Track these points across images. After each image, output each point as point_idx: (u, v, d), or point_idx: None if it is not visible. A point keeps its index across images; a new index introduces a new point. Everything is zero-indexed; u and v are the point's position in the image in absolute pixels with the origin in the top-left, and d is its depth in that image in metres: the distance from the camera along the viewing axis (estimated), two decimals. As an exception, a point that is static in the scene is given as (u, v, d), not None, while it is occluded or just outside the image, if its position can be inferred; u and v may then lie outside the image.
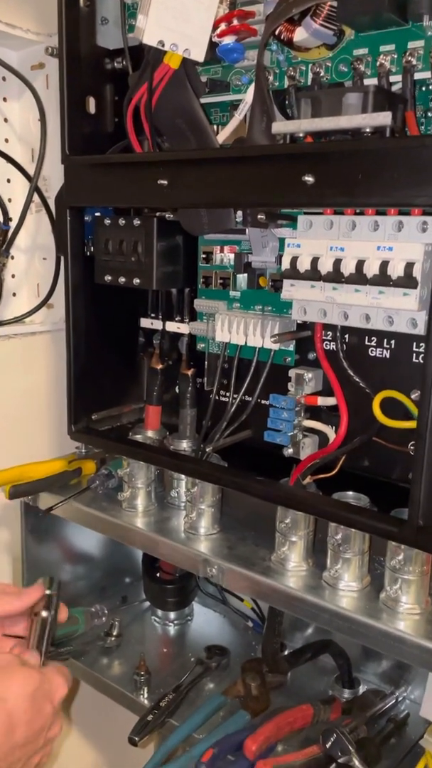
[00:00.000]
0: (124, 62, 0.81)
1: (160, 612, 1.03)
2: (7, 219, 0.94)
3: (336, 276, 0.60)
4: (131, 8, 0.76)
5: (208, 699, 0.87)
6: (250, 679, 0.87)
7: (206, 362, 0.78)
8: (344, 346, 0.69)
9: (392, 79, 0.61)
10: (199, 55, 0.61)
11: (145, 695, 0.89)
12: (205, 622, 1.04)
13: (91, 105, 0.82)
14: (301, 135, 0.60)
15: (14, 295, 1.00)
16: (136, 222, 0.75)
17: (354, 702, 0.86)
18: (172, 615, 1.03)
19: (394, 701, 0.85)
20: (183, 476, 0.85)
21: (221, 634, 1.01)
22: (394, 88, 0.61)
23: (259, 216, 0.65)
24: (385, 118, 0.54)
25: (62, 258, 0.83)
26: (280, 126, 0.60)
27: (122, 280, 0.77)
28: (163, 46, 0.60)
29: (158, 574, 1.01)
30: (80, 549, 1.03)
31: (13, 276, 0.99)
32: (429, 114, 0.63)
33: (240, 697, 0.87)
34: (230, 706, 0.87)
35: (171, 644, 0.98)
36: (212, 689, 0.91)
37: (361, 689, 0.89)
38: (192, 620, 1.05)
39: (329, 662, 0.91)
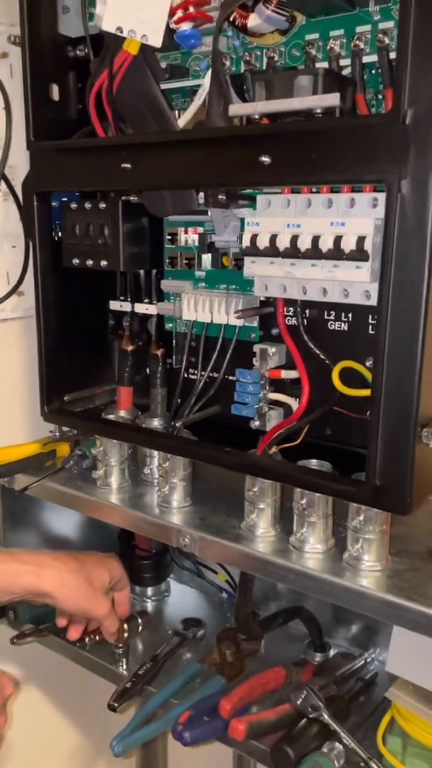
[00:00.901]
0: (86, 50, 0.83)
1: (138, 588, 1.06)
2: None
3: (293, 252, 0.63)
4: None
5: (185, 667, 0.90)
6: (225, 647, 0.90)
7: (174, 341, 0.81)
8: (305, 320, 0.72)
9: (342, 62, 0.64)
10: (156, 41, 0.64)
11: (124, 667, 0.92)
12: (182, 596, 1.07)
13: (55, 92, 0.84)
14: (257, 117, 0.62)
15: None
16: (102, 205, 0.77)
17: (325, 664, 0.90)
18: (149, 591, 1.06)
19: (362, 662, 0.89)
20: (155, 454, 0.88)
21: (197, 607, 1.05)
22: (345, 72, 0.64)
23: (219, 196, 0.68)
24: (333, 99, 0.57)
25: (30, 244, 0.85)
26: (237, 108, 0.62)
27: (90, 262, 0.80)
28: (121, 32, 0.63)
29: (135, 551, 1.04)
30: (58, 531, 1.05)
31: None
32: (379, 96, 0.66)
33: (216, 664, 0.90)
34: (206, 673, 0.90)
35: (149, 619, 1.00)
36: (189, 659, 0.94)
37: (332, 653, 0.93)
38: (168, 596, 1.08)
39: (301, 630, 0.95)
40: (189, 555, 0.97)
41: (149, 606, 1.06)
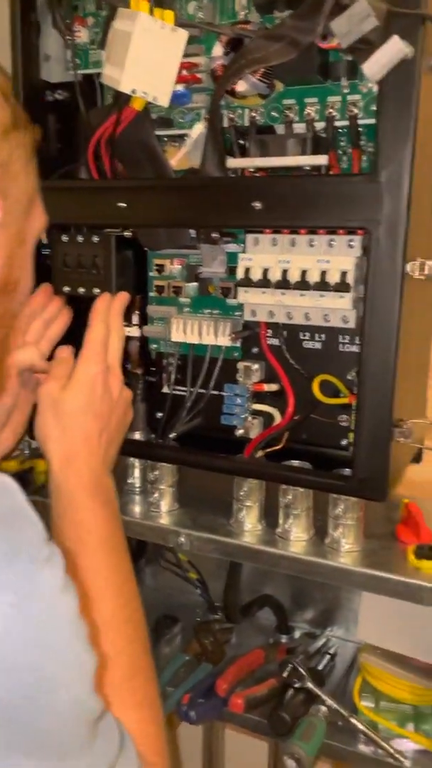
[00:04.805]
0: (65, 94, 0.90)
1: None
2: None
3: (284, 284, 0.74)
4: (76, 48, 0.86)
5: (171, 659, 0.98)
6: (204, 638, 0.99)
7: (164, 361, 0.89)
8: (285, 340, 0.83)
9: (317, 125, 0.77)
10: (165, 101, 0.73)
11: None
12: (153, 597, 1.15)
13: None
14: (252, 170, 0.73)
15: None
16: (95, 239, 0.84)
17: (294, 643, 1.02)
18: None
19: (325, 640, 1.02)
20: (137, 464, 0.96)
21: (169, 605, 1.12)
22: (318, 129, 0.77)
23: (213, 234, 0.78)
24: (323, 159, 0.70)
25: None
26: (236, 162, 0.73)
27: (82, 290, 0.87)
28: (135, 93, 0.71)
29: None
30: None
31: None
32: (345, 154, 0.79)
33: (197, 654, 0.99)
34: (190, 662, 0.98)
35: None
36: (169, 653, 1.02)
37: (296, 634, 1.05)
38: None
39: (263, 621, 1.05)
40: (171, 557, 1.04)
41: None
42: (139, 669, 0.56)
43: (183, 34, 0.71)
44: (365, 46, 0.62)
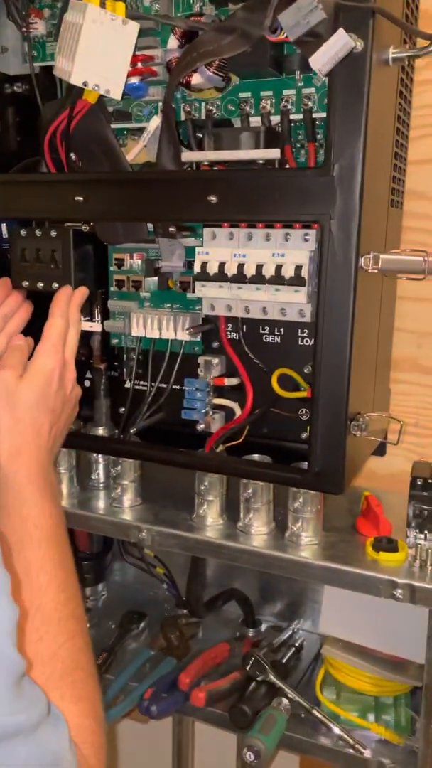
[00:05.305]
0: (24, 87, 0.89)
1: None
2: None
3: (240, 277, 0.74)
4: (34, 40, 0.85)
5: (137, 654, 0.98)
6: (170, 632, 1.00)
7: (124, 356, 0.89)
8: (244, 335, 0.83)
9: (272, 118, 0.76)
10: (117, 94, 0.72)
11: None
12: (120, 593, 1.15)
13: (-4, 126, 0.90)
14: (206, 163, 0.73)
15: None
16: (53, 233, 0.84)
17: (260, 636, 1.02)
18: (87, 591, 1.12)
19: (291, 632, 1.02)
20: (101, 459, 0.96)
21: (136, 601, 1.13)
22: (274, 122, 0.77)
23: (170, 228, 0.78)
24: (275, 153, 0.69)
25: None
26: (190, 155, 0.73)
27: (40, 285, 0.86)
28: (86, 85, 0.71)
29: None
30: None
31: None
32: (302, 148, 0.79)
33: (163, 649, 1.00)
34: (155, 657, 0.99)
35: (91, 616, 1.07)
36: (136, 648, 1.02)
37: (263, 627, 1.05)
38: (105, 596, 1.15)
39: (230, 615, 1.06)
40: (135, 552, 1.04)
41: (89, 604, 1.12)
42: (79, 663, 0.56)
43: (134, 27, 0.70)
44: (313, 39, 0.62)
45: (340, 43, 0.59)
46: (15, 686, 0.44)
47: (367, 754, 0.82)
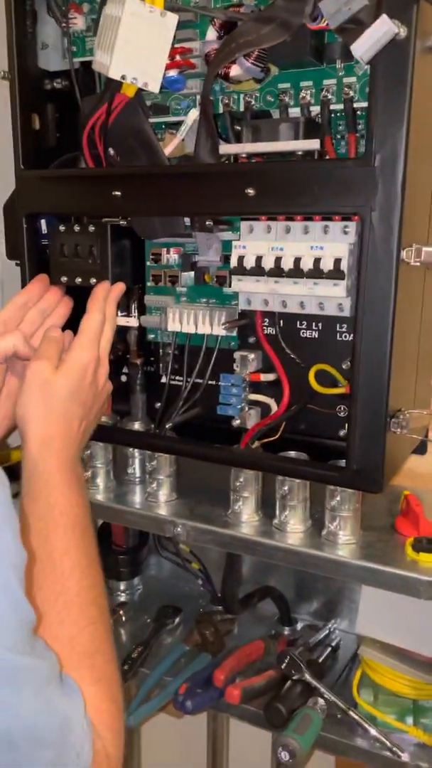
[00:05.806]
0: (64, 83, 0.90)
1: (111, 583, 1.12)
2: None
3: (278, 271, 0.73)
4: (73, 36, 0.85)
5: (171, 649, 0.98)
6: (205, 628, 0.99)
7: (161, 351, 0.89)
8: (281, 329, 0.82)
9: (312, 109, 0.75)
10: (155, 87, 0.72)
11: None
12: (156, 587, 1.15)
13: (36, 122, 0.90)
14: (244, 155, 0.72)
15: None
16: (92, 228, 0.84)
17: (296, 635, 1.01)
18: (122, 585, 1.13)
19: (327, 632, 1.01)
20: (137, 454, 0.96)
21: (172, 596, 1.12)
22: (314, 113, 0.75)
23: (207, 222, 0.77)
24: (314, 144, 0.68)
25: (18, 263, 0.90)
26: (228, 148, 0.72)
27: (79, 280, 0.86)
28: (124, 79, 0.70)
29: (111, 547, 1.10)
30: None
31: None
32: (343, 139, 0.77)
33: (198, 644, 0.99)
34: (190, 653, 0.98)
35: (127, 609, 1.07)
36: (170, 643, 1.02)
37: (299, 626, 1.04)
38: (141, 590, 1.15)
39: (266, 612, 1.05)
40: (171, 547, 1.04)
41: (125, 598, 1.13)
42: (99, 648, 0.56)
43: (173, 19, 0.70)
44: (355, 26, 0.61)
45: (382, 30, 0.58)
46: (23, 629, 0.45)
47: (404, 757, 0.80)
